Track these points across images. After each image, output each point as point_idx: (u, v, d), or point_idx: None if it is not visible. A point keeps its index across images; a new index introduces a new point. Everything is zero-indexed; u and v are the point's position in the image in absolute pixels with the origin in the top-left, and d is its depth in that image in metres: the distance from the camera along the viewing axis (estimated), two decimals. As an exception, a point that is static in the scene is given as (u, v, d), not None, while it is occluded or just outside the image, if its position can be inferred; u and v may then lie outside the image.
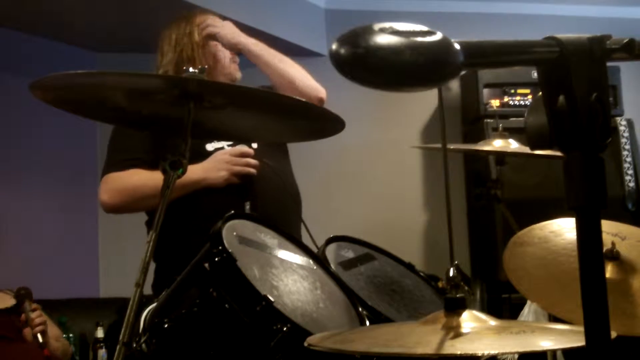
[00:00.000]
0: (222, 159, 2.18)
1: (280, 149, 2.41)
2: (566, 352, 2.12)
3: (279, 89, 2.32)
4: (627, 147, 3.82)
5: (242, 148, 2.20)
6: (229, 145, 2.24)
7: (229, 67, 2.37)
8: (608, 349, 0.69)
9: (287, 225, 2.17)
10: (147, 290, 1.47)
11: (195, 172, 2.11)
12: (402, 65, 0.60)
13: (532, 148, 0.74)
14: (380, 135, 4.23)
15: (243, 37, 2.35)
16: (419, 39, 0.61)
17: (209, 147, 2.23)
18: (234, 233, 1.59)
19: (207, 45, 2.33)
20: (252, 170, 2.18)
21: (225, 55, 2.36)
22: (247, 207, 2.13)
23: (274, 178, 2.23)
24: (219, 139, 2.25)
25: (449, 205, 1.63)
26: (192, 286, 1.52)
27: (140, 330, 1.50)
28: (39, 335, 2.61)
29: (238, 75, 2.39)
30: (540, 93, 0.72)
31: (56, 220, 3.79)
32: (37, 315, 2.66)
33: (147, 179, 2.11)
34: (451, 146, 2.57)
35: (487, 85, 3.86)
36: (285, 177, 2.29)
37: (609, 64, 0.71)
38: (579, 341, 1.07)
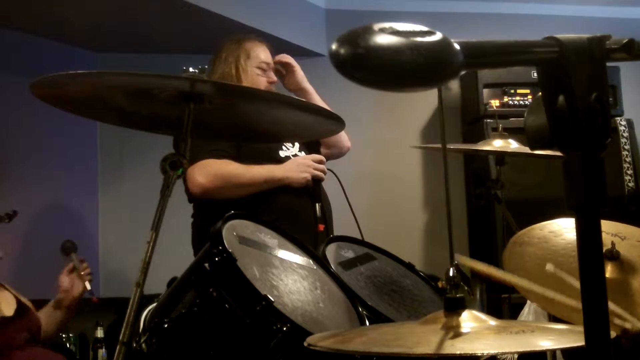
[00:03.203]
0: (304, 163, 2.44)
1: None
2: (566, 352, 2.12)
3: None
4: (627, 147, 3.82)
5: (319, 155, 2.49)
6: (293, 155, 2.50)
7: None
8: (608, 349, 0.69)
9: (332, 225, 2.49)
10: (147, 290, 1.47)
11: (278, 171, 2.39)
12: (402, 65, 0.60)
13: (532, 148, 0.74)
14: (380, 135, 4.22)
15: (307, 82, 2.72)
16: (419, 39, 0.61)
17: (282, 154, 2.49)
18: (234, 233, 1.59)
19: (250, 70, 2.58)
20: (324, 176, 2.46)
21: (262, 81, 2.59)
22: (318, 208, 2.35)
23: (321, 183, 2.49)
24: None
25: (449, 205, 1.62)
26: (192, 286, 1.52)
27: (140, 330, 1.50)
28: (87, 284, 2.80)
29: None
30: (540, 93, 0.72)
31: (56, 220, 3.79)
32: (85, 267, 2.85)
33: (244, 169, 2.37)
34: (451, 146, 2.57)
35: (487, 85, 3.86)
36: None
37: (609, 64, 0.71)
38: (578, 341, 1.07)
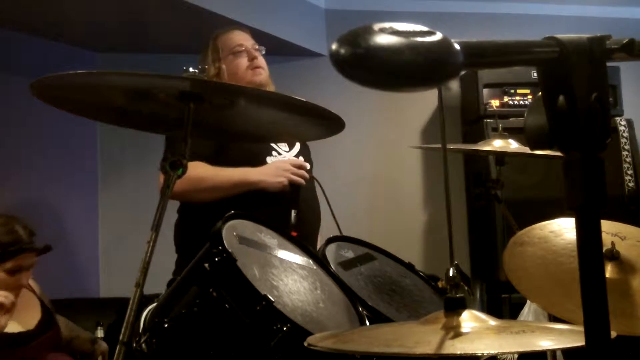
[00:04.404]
0: (282, 167, 2.32)
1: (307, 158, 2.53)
2: (566, 352, 2.12)
3: None
4: (627, 147, 3.82)
5: (300, 160, 2.40)
6: None
7: (246, 74, 2.48)
8: (608, 349, 0.69)
9: (315, 234, 2.39)
10: (147, 290, 1.47)
11: (252, 174, 2.28)
12: (401, 65, 0.60)
13: (532, 148, 0.74)
14: (380, 135, 4.23)
15: None
16: (419, 39, 0.61)
17: (269, 160, 2.38)
18: (234, 233, 1.59)
19: (225, 64, 2.49)
20: (303, 181, 2.33)
21: (241, 64, 2.49)
22: (293, 214, 2.24)
23: (309, 189, 2.39)
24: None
25: (449, 205, 1.62)
26: (192, 286, 1.52)
27: (140, 330, 1.50)
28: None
29: (257, 79, 2.49)
30: (540, 93, 0.72)
31: (56, 219, 3.79)
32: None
33: (213, 172, 2.27)
34: (451, 146, 2.57)
35: (487, 85, 3.86)
36: (312, 189, 2.43)
37: (609, 64, 0.71)
38: (579, 341, 1.07)
